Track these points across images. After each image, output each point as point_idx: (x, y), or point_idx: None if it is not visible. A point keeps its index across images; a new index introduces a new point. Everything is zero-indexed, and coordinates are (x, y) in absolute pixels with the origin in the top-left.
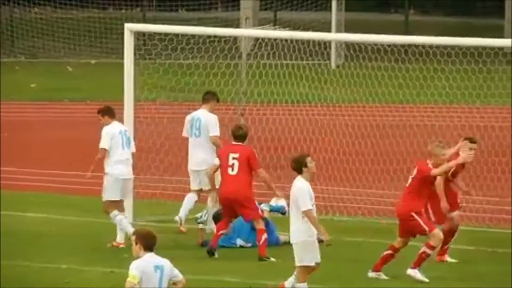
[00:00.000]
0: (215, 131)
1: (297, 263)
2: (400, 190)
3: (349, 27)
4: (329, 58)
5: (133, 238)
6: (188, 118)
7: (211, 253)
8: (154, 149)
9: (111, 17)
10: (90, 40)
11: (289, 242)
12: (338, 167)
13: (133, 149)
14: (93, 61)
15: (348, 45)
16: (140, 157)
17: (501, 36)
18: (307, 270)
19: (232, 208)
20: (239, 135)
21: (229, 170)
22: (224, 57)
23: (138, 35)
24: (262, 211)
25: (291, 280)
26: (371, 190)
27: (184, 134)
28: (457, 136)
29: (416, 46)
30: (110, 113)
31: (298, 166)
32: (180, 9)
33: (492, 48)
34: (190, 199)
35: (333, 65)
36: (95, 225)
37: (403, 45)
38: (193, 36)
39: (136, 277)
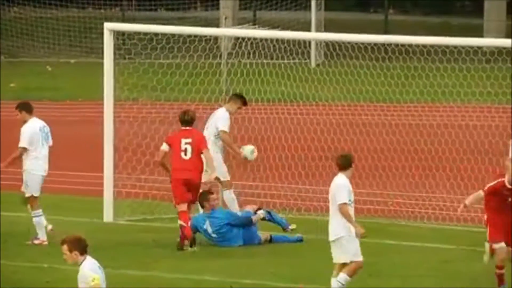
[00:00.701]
0: (222, 126)
1: (351, 259)
2: (376, 189)
3: (329, 27)
4: (309, 57)
5: (65, 247)
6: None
7: (192, 244)
8: (139, 149)
9: (91, 17)
10: (70, 40)
11: (270, 240)
12: (317, 164)
13: (50, 143)
14: (72, 61)
15: (328, 44)
16: (122, 156)
17: (481, 36)
18: (358, 265)
19: (189, 190)
20: (187, 119)
21: (182, 154)
22: (207, 56)
23: (118, 35)
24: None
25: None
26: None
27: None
28: (440, 134)
29: (396, 44)
30: (27, 109)
31: (347, 163)
32: (159, 9)
33: (471, 47)
34: (229, 199)
35: (313, 64)
36: (86, 224)
37: (382, 44)
38: (173, 35)
39: (99, 278)
